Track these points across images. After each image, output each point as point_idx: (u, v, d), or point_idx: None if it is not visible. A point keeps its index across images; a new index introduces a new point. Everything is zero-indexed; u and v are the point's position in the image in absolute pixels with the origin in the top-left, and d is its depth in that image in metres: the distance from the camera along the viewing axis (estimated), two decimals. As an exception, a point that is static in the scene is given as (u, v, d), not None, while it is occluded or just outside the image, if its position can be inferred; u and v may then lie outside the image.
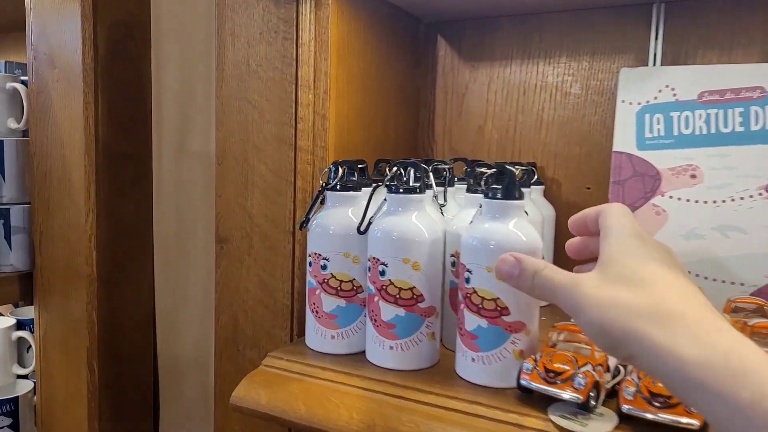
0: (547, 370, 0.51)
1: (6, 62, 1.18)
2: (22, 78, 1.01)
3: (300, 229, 0.64)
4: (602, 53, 0.84)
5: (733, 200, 0.73)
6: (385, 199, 0.61)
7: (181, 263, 1.01)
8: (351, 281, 0.62)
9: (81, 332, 0.94)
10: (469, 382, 0.56)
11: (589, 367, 0.51)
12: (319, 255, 0.62)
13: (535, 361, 0.53)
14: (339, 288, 0.62)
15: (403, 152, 0.93)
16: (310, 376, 0.59)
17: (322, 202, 0.65)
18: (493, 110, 0.92)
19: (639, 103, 0.77)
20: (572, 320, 0.61)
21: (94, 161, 0.91)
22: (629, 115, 0.78)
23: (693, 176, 0.75)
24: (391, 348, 0.59)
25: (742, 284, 0.73)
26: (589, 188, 0.86)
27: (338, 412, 0.54)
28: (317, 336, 0.64)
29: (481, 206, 0.56)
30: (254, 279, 0.78)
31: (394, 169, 0.60)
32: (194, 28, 0.95)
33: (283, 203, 0.75)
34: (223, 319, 0.81)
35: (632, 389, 0.49)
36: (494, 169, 0.62)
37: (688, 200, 0.75)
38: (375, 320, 0.60)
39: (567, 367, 0.51)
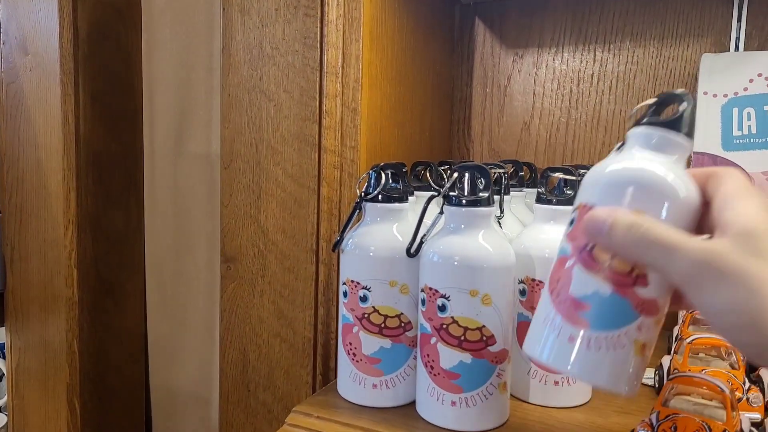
0: (673, 441, 0.39)
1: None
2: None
3: (333, 250, 0.52)
4: (674, 37, 0.72)
5: (844, 210, 0.61)
6: (440, 213, 0.48)
7: (179, 284, 0.87)
8: (398, 316, 0.49)
9: (60, 365, 0.80)
10: None
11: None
12: (358, 283, 0.49)
13: (653, 427, 0.40)
14: (383, 325, 0.49)
15: (438, 153, 0.81)
16: (349, 441, 0.46)
17: (359, 217, 0.52)
18: (540, 104, 0.79)
19: (725, 95, 0.65)
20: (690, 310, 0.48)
21: (75, 164, 0.77)
22: (713, 110, 0.66)
23: (793, 182, 0.63)
24: (453, 403, 0.46)
25: None
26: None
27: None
28: (354, 384, 0.51)
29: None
30: (269, 307, 0.65)
31: (455, 175, 0.47)
32: (193, 6, 0.81)
33: (305, 216, 0.62)
34: (231, 355, 0.68)
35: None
36: (572, 176, 0.50)
37: (787, 210, 0.63)
38: (432, 367, 0.47)
39: (701, 438, 0.38)
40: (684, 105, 0.35)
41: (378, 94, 0.63)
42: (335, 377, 0.63)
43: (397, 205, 0.50)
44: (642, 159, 0.35)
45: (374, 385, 0.50)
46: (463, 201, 0.46)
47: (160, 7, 0.83)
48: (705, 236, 0.32)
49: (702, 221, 0.34)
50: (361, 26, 0.59)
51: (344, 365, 0.52)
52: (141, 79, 0.85)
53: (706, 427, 0.39)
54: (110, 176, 0.83)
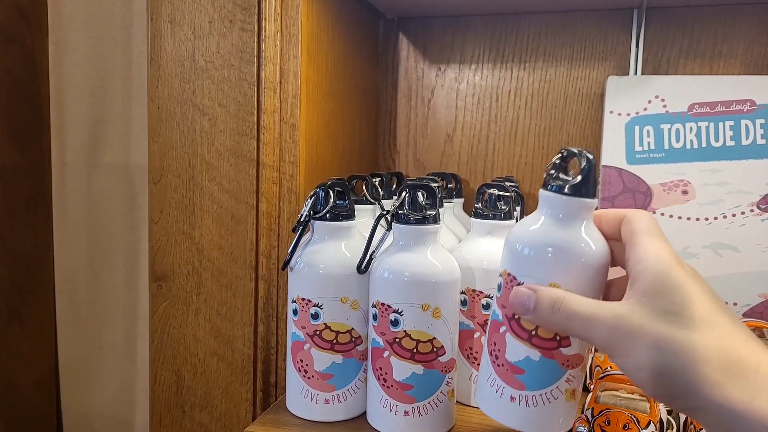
0: (607, 434, 0.43)
1: None
2: None
3: (282, 269, 0.52)
4: (582, 59, 0.78)
5: (725, 217, 0.70)
6: (388, 230, 0.50)
7: (95, 303, 0.82)
8: (349, 332, 0.50)
9: (-39, 397, 0.73)
10: None
11: (652, 428, 0.44)
12: (309, 301, 0.50)
13: (588, 422, 0.45)
14: (335, 341, 0.50)
15: (366, 164, 0.82)
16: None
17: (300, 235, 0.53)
18: (462, 118, 0.84)
19: (628, 114, 0.72)
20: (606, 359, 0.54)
21: (-24, 178, 0.71)
22: (618, 127, 0.73)
23: (685, 192, 0.71)
24: (407, 413, 0.48)
25: (735, 304, 0.71)
26: (567, 203, 0.80)
27: None
28: (306, 400, 0.51)
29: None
30: (205, 325, 0.63)
31: (404, 194, 0.49)
32: (108, 10, 0.77)
33: (243, 232, 0.61)
34: (164, 375, 0.65)
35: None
36: (507, 192, 0.53)
37: (680, 217, 0.71)
38: (385, 380, 0.48)
39: (631, 430, 0.43)
40: (585, 166, 0.40)
41: (314, 108, 0.64)
42: (275, 393, 0.63)
43: (345, 222, 0.51)
44: (553, 231, 0.40)
45: (326, 400, 0.51)
46: (412, 219, 0.48)
47: (69, 9, 0.78)
48: (618, 302, 0.36)
49: (620, 258, 0.39)
50: (299, 42, 0.59)
51: (294, 382, 0.52)
52: (48, 86, 0.80)
53: (634, 419, 0.44)
54: (15, 190, 0.77)
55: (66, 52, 0.78)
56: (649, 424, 0.44)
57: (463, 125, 0.84)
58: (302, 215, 0.52)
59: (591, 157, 0.40)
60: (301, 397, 0.51)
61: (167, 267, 0.64)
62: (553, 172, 0.41)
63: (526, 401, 0.42)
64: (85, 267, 0.81)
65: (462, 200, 0.78)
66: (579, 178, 0.40)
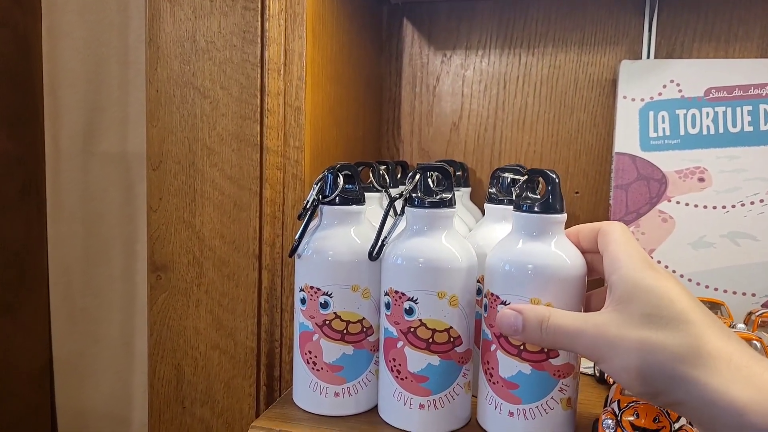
0: (635, 428, 0.41)
1: None
2: None
3: (290, 256, 0.49)
4: (592, 44, 0.76)
5: (743, 205, 0.68)
6: (401, 215, 0.48)
7: (89, 297, 0.79)
8: (360, 321, 0.48)
9: (-49, 394, 0.70)
10: None
11: (683, 421, 0.42)
12: (318, 290, 0.47)
13: (616, 416, 0.42)
14: (345, 331, 0.48)
15: (369, 153, 0.80)
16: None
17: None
18: (469, 106, 0.81)
19: (642, 100, 0.70)
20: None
21: (-34, 166, 0.68)
22: (632, 113, 0.70)
23: (701, 179, 0.69)
24: (422, 406, 0.46)
25: (753, 294, 0.69)
26: (577, 193, 0.78)
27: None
28: (314, 394, 0.49)
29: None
30: (207, 317, 0.61)
31: (417, 176, 0.46)
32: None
33: (246, 219, 0.59)
34: (163, 370, 0.63)
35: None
36: (526, 176, 0.51)
37: (696, 206, 0.69)
38: (398, 372, 0.46)
39: (662, 423, 0.41)
40: (550, 185, 0.44)
41: (320, 92, 0.61)
42: (280, 387, 0.61)
43: (354, 207, 0.49)
44: (528, 248, 0.44)
45: (336, 394, 0.48)
46: (427, 202, 0.46)
47: (64, -9, 0.75)
48: (598, 312, 0.39)
49: (600, 269, 0.42)
50: (305, 22, 0.57)
51: (302, 375, 0.49)
52: (42, 72, 0.77)
53: (665, 412, 0.42)
54: (7, 180, 0.74)
55: (60, 37, 0.75)
56: (680, 417, 0.42)
57: (469, 113, 0.81)
58: (309, 200, 0.49)
59: (555, 176, 0.44)
60: (309, 391, 0.49)
61: (167, 257, 0.61)
62: (521, 193, 0.46)
63: (524, 414, 0.44)
64: (81, 259, 0.79)
65: (469, 189, 0.76)
66: (547, 196, 0.44)
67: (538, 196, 0.46)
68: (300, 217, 0.52)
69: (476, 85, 0.81)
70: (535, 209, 0.44)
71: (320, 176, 0.50)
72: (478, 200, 0.77)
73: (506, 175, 0.53)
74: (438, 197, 0.46)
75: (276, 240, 0.59)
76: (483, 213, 0.69)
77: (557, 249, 0.44)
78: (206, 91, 0.59)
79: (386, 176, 0.61)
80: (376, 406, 0.49)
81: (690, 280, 0.69)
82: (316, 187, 0.50)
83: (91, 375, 0.81)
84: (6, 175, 0.74)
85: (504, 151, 0.81)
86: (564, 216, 0.45)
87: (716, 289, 0.69)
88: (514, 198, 0.48)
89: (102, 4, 0.74)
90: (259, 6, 0.57)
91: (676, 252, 0.70)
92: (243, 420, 0.61)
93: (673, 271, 0.69)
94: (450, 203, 0.46)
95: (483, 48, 0.80)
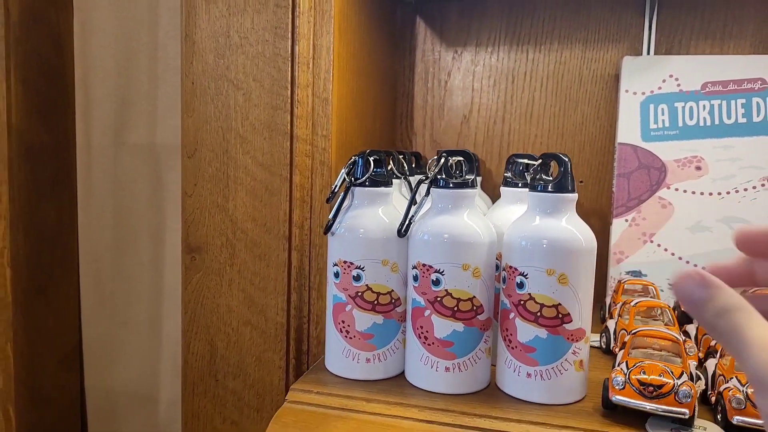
0: (643, 384, 0.46)
1: None
2: None
3: (324, 233, 0.53)
4: (596, 41, 0.81)
5: (737, 192, 0.73)
6: (427, 195, 0.52)
7: (119, 281, 0.83)
8: (389, 293, 0.52)
9: (-9, 372, 0.74)
10: (524, 401, 0.49)
11: (685, 378, 0.46)
12: (351, 264, 0.52)
13: (624, 374, 0.47)
14: (376, 302, 0.52)
15: (385, 144, 0.84)
16: (355, 410, 0.49)
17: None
18: (479, 100, 0.86)
19: (643, 93, 0.75)
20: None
21: (7, 156, 0.72)
22: (633, 106, 0.75)
23: (698, 168, 0.74)
24: (447, 369, 0.50)
25: (746, 275, 0.73)
26: (582, 182, 0.83)
27: (407, 455, 0.44)
28: (347, 360, 0.53)
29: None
30: (239, 295, 0.65)
31: (442, 160, 0.51)
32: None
33: (277, 203, 0.63)
34: (197, 346, 0.67)
35: (740, 397, 0.45)
36: (540, 160, 0.55)
37: (693, 192, 0.74)
38: (426, 338, 0.50)
39: (666, 380, 0.45)
40: (562, 167, 0.49)
41: (344, 85, 0.66)
42: (308, 360, 0.65)
43: (383, 189, 0.53)
44: (544, 224, 0.49)
45: (368, 359, 0.52)
46: (451, 184, 0.50)
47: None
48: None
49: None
50: (332, 19, 0.61)
51: (335, 343, 0.54)
52: (73, 65, 0.81)
53: (668, 370, 0.46)
54: (42, 169, 0.78)
55: (92, 33, 0.79)
56: (682, 374, 0.46)
57: (479, 107, 0.86)
58: (338, 182, 0.54)
59: (567, 159, 0.49)
60: (342, 357, 0.53)
61: (201, 239, 0.66)
62: (536, 175, 0.50)
63: (541, 375, 0.49)
64: (110, 246, 0.83)
65: (480, 179, 0.80)
66: (560, 177, 0.49)
67: (551, 178, 0.50)
68: (329, 200, 0.57)
69: (486, 80, 0.85)
70: (549, 189, 0.49)
71: (350, 160, 0.54)
72: (488, 190, 0.81)
73: (521, 160, 0.58)
74: (461, 179, 0.50)
75: (305, 222, 0.63)
76: (493, 201, 0.73)
77: (569, 225, 0.49)
78: (239, 84, 0.63)
79: (404, 164, 0.66)
80: (403, 372, 0.54)
81: (688, 262, 0.74)
82: (345, 171, 0.54)
83: (119, 356, 0.84)
84: (41, 166, 0.78)
85: (512, 142, 0.85)
86: (575, 195, 0.50)
87: (713, 271, 0.73)
88: (529, 180, 0.53)
89: (133, 2, 0.78)
90: (290, 3, 0.61)
91: (675, 236, 0.74)
92: (273, 391, 0.65)
93: (672, 254, 0.74)
94: (472, 184, 0.51)
95: (492, 45, 0.84)
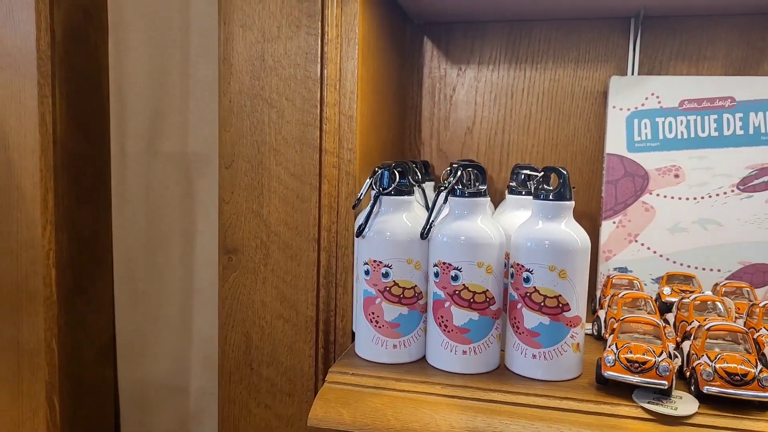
0: (630, 361, 0.54)
1: None
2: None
3: (356, 236, 0.61)
4: (587, 61, 0.90)
5: (710, 197, 0.82)
6: (445, 202, 0.60)
7: (151, 280, 0.91)
8: (413, 288, 0.60)
9: (38, 364, 0.81)
10: (530, 378, 0.58)
11: (664, 356, 0.55)
12: (380, 263, 0.60)
13: (614, 353, 0.56)
14: (402, 296, 0.60)
15: (396, 154, 0.92)
16: (386, 388, 0.57)
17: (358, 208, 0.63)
18: (481, 113, 0.94)
19: (628, 109, 0.84)
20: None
21: (52, 165, 0.79)
22: (620, 120, 0.84)
23: (676, 176, 0.83)
24: (464, 352, 0.58)
25: (719, 270, 0.83)
26: (574, 188, 0.91)
27: (435, 422, 0.52)
28: (376, 346, 0.61)
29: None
30: (272, 292, 0.73)
31: (459, 172, 0.59)
32: (167, 12, 0.86)
33: (307, 209, 0.71)
34: (233, 337, 0.74)
35: (709, 371, 0.53)
36: (542, 172, 0.64)
37: (672, 197, 0.83)
38: (445, 326, 0.59)
39: (648, 357, 0.54)
40: (562, 178, 0.58)
41: (365, 103, 0.74)
42: (334, 350, 0.73)
43: (407, 197, 0.61)
44: (546, 227, 0.57)
45: (394, 346, 0.61)
46: (467, 193, 0.59)
47: (131, 13, 0.86)
48: None
49: None
50: (357, 45, 0.69)
51: (365, 331, 0.62)
52: (107, 80, 0.88)
53: (651, 349, 0.55)
54: (82, 176, 0.85)
55: (127, 51, 0.86)
56: (662, 353, 0.55)
57: (481, 119, 0.94)
58: (364, 190, 0.62)
59: (565, 172, 0.58)
60: (371, 344, 0.61)
61: (237, 241, 0.73)
62: (538, 185, 0.59)
63: (544, 356, 0.58)
64: (142, 247, 0.90)
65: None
66: (559, 187, 0.57)
67: (552, 188, 0.59)
68: (354, 206, 0.65)
69: (487, 95, 0.94)
70: (551, 197, 0.57)
71: (377, 173, 0.62)
72: (490, 194, 0.90)
73: (524, 171, 0.66)
74: (476, 188, 0.59)
75: (332, 226, 0.71)
76: (495, 205, 0.82)
77: (567, 228, 0.57)
78: (273, 102, 0.71)
79: (418, 173, 0.74)
80: (424, 356, 0.62)
81: (668, 259, 0.83)
82: (371, 180, 0.62)
83: (150, 350, 0.91)
84: (81, 173, 0.84)
85: (512, 152, 0.94)
86: (572, 203, 0.58)
87: (689, 266, 0.83)
88: (532, 190, 0.61)
89: (166, 24, 0.85)
90: (320, 31, 0.69)
91: (656, 236, 0.83)
92: (304, 377, 0.72)
93: (654, 252, 0.83)
94: (485, 193, 0.59)
95: (493, 63, 0.93)
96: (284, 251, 0.72)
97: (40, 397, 0.81)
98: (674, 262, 0.83)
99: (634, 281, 0.76)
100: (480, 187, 0.59)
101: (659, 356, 0.54)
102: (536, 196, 0.59)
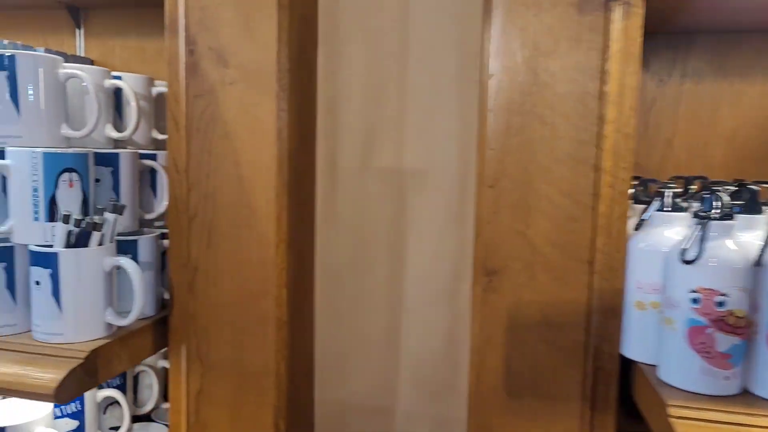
0: None
1: (49, 50, 0.94)
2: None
3: (685, 263, 0.59)
4: (802, 74, 0.88)
5: None
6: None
7: (357, 299, 0.88)
8: (745, 317, 0.58)
9: (264, 387, 0.78)
10: None
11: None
12: (715, 291, 0.57)
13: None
14: (736, 325, 0.58)
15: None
16: (743, 424, 0.54)
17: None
18: (681, 126, 0.92)
19: None
20: None
21: (287, 182, 0.76)
22: None
23: None
24: (799, 386, 0.56)
25: None
26: None
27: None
28: (707, 378, 0.58)
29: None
30: (536, 315, 0.70)
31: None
32: (384, 25, 0.83)
33: (580, 230, 0.68)
34: (490, 362, 0.71)
35: None
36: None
37: None
38: (782, 355, 0.56)
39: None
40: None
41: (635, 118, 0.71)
42: (602, 376, 0.70)
43: (731, 222, 0.59)
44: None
45: (726, 378, 0.58)
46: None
47: (346, 23, 0.83)
48: None
49: None
50: (637, 59, 0.66)
51: (688, 362, 0.59)
52: (316, 94, 0.85)
53: None
54: (302, 191, 0.82)
55: (341, 64, 0.83)
56: None
57: (681, 133, 0.92)
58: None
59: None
60: (699, 375, 0.58)
61: (499, 262, 0.70)
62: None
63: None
64: (350, 265, 0.87)
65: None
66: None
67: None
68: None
69: (689, 108, 0.91)
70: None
71: (704, 197, 0.59)
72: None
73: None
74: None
75: (605, 248, 0.68)
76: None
77: None
78: (545, 119, 0.68)
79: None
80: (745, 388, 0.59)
81: None
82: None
83: (351, 370, 0.88)
84: (301, 187, 0.81)
85: (715, 167, 0.92)
86: None
87: None
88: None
89: (382, 35, 0.82)
90: (602, 46, 0.66)
91: None
92: (569, 404, 0.70)
93: None
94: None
95: (698, 75, 0.91)
96: (550, 273, 0.69)
97: (266, 421, 0.78)
98: None
99: None
100: None
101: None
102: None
